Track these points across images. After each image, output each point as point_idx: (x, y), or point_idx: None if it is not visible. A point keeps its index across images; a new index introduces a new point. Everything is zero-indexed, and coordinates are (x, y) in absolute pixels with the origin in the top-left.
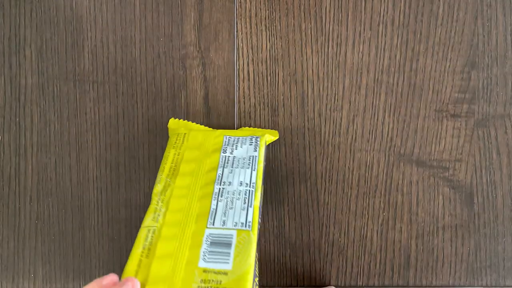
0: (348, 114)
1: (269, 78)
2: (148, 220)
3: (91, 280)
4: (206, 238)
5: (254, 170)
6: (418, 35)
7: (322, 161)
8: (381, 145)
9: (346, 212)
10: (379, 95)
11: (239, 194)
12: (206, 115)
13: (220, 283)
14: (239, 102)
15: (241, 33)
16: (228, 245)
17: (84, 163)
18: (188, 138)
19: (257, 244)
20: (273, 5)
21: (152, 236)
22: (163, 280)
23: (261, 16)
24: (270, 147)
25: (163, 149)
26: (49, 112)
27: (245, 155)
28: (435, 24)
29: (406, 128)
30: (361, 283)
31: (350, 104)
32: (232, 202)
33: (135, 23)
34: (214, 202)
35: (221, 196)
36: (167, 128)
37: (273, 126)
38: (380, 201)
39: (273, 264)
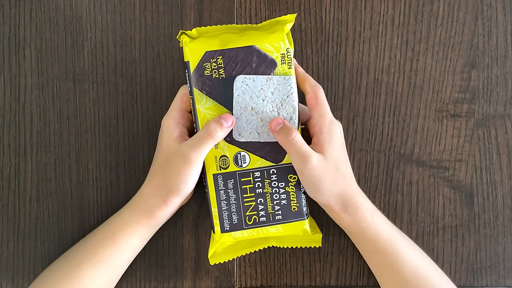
0: (348, 114)
1: None
2: None
3: None
4: None
5: None
6: (418, 35)
7: None
8: (381, 145)
9: None
10: (379, 95)
11: None
12: None
13: None
14: None
15: None
16: None
17: (83, 163)
18: None
19: None
20: (273, 5)
21: None
22: None
23: (261, 16)
24: None
25: None
26: (48, 112)
27: None
28: (435, 24)
29: (406, 128)
30: (361, 283)
31: (350, 104)
32: None
33: (135, 23)
34: None
35: None
36: None
37: None
38: (380, 201)
39: (273, 264)
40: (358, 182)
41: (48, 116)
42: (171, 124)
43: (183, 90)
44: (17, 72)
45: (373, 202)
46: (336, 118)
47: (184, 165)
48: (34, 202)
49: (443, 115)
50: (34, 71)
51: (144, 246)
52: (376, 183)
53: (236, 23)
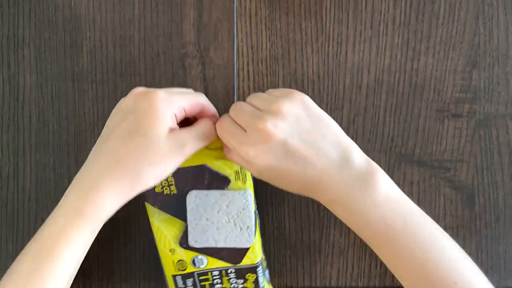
0: (349, 114)
1: (269, 77)
2: None
3: (90, 281)
4: None
5: None
6: (419, 35)
7: None
8: (382, 145)
9: None
10: (380, 94)
11: None
12: None
13: None
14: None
15: (241, 33)
16: None
17: (83, 163)
18: None
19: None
20: (273, 4)
21: None
22: None
23: (261, 15)
24: None
25: None
26: (47, 112)
27: None
28: (436, 24)
29: (407, 128)
30: (361, 284)
31: (350, 103)
32: None
33: (134, 23)
34: None
35: None
36: None
37: None
38: None
39: (273, 264)
40: None
41: (47, 116)
42: (168, 115)
43: (201, 99)
44: (16, 71)
45: None
46: (337, 118)
47: (178, 157)
48: (33, 203)
49: (444, 115)
50: (33, 71)
51: (144, 246)
52: None
53: (236, 23)
